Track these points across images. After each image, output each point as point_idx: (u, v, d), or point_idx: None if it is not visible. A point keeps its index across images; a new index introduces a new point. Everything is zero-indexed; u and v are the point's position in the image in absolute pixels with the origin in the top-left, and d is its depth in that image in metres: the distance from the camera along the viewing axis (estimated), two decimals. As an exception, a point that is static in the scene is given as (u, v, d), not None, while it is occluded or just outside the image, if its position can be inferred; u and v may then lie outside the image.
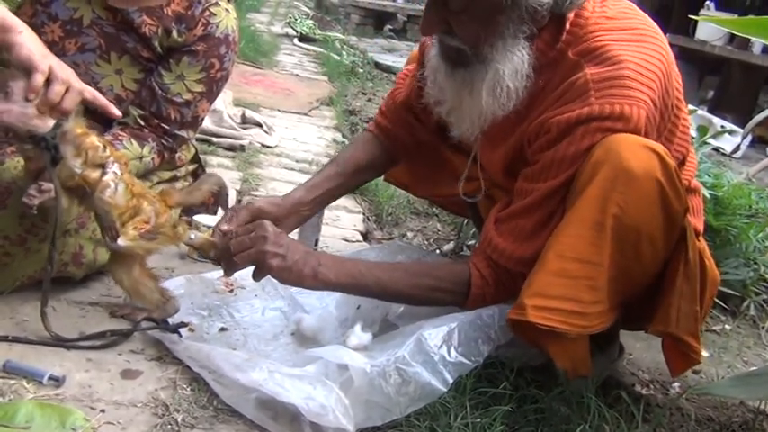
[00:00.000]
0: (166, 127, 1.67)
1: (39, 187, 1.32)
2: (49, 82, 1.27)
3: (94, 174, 1.34)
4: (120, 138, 1.60)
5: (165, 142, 1.68)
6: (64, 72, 1.30)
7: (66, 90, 1.29)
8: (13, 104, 1.26)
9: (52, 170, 1.31)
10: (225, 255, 1.40)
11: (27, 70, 1.27)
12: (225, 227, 1.43)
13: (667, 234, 1.29)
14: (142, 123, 1.65)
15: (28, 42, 1.29)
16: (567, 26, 1.35)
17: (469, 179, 1.74)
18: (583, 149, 1.28)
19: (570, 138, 1.29)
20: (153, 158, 1.67)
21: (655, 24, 1.41)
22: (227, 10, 1.70)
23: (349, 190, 1.81)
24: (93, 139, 1.36)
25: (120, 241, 1.36)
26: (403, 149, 1.75)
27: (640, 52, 1.31)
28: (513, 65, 1.33)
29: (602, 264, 1.26)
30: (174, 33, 1.63)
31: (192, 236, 1.43)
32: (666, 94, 1.35)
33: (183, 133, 1.71)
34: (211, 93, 1.72)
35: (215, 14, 1.67)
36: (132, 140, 1.61)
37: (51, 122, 1.29)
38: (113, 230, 1.35)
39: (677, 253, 1.32)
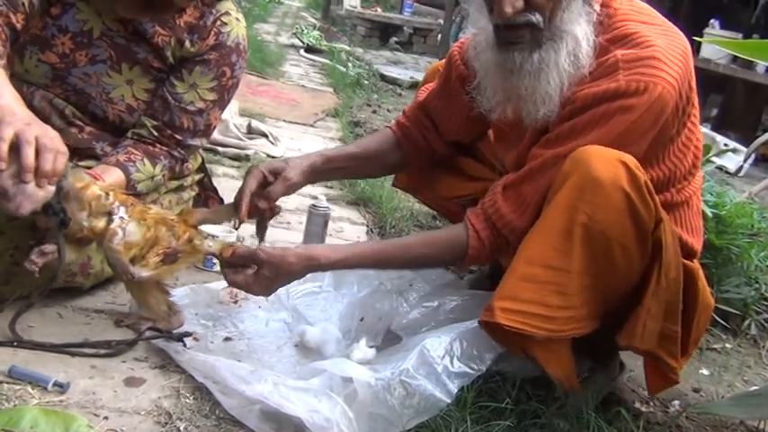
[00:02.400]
0: (179, 137, 1.68)
1: (40, 251, 1.33)
2: (37, 152, 1.23)
3: (101, 223, 1.35)
4: (133, 159, 1.60)
5: (177, 154, 1.69)
6: (29, 134, 1.24)
7: (53, 152, 1.25)
8: (16, 197, 1.21)
9: (59, 233, 1.32)
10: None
11: None
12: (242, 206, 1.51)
13: (640, 244, 1.30)
14: (156, 134, 1.66)
15: None
16: (595, 15, 1.38)
17: (478, 179, 1.76)
18: (597, 120, 1.31)
19: (592, 111, 1.32)
20: (164, 175, 1.68)
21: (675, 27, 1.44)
22: (237, 19, 1.72)
23: (357, 175, 2.00)
24: (95, 190, 1.35)
25: (144, 273, 1.38)
26: (416, 151, 1.77)
27: (669, 42, 1.34)
28: (584, 28, 1.36)
29: (570, 270, 1.28)
30: (187, 43, 1.65)
31: (210, 244, 1.44)
32: (688, 87, 1.38)
33: (195, 142, 1.72)
34: (223, 100, 1.74)
35: (226, 24, 1.69)
36: (145, 160, 1.62)
37: (52, 187, 1.26)
38: (127, 274, 1.37)
39: (650, 269, 1.33)
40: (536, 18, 1.35)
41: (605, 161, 1.26)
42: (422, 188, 1.96)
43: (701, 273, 1.46)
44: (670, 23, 1.43)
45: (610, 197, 1.25)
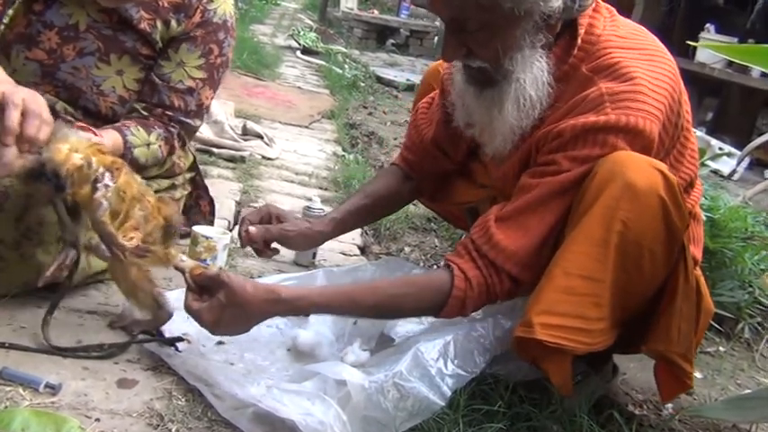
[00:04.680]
0: (171, 114, 1.67)
1: (60, 264, 1.35)
2: (22, 117, 1.21)
3: (84, 191, 1.28)
4: (127, 125, 1.59)
5: (171, 128, 1.68)
6: (16, 97, 1.23)
7: (38, 118, 1.23)
8: None
9: (59, 199, 1.29)
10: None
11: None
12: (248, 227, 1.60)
13: (668, 249, 1.30)
14: (146, 114, 1.65)
15: None
16: (579, 42, 1.38)
17: (483, 185, 1.76)
18: (595, 156, 1.30)
19: (584, 141, 1.32)
20: (161, 146, 1.65)
21: (663, 47, 1.43)
22: None
23: (371, 222, 1.99)
24: (75, 160, 1.27)
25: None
26: (429, 177, 1.84)
27: (652, 70, 1.34)
28: (533, 74, 1.36)
29: (605, 280, 1.27)
30: (173, 23, 1.64)
31: (183, 259, 1.39)
32: (676, 114, 1.38)
33: (189, 120, 1.71)
34: (213, 79, 1.72)
35: (212, 1, 1.69)
36: (139, 128, 1.61)
37: (32, 156, 1.24)
38: (114, 245, 1.31)
39: (676, 271, 1.33)
40: (477, 64, 1.39)
41: (641, 168, 1.26)
42: (429, 193, 1.96)
43: (702, 279, 1.46)
44: (654, 43, 1.42)
45: (647, 204, 1.25)
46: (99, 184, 1.27)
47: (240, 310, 1.29)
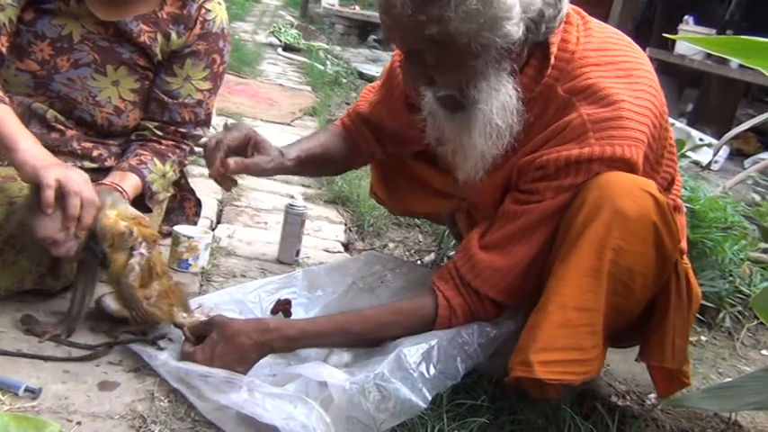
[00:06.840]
0: (183, 130, 1.70)
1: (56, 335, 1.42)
2: (62, 197, 1.31)
3: (121, 256, 1.40)
4: (144, 161, 1.62)
5: (184, 146, 1.71)
6: (74, 183, 1.33)
7: (93, 205, 1.35)
8: (65, 243, 1.34)
9: (96, 272, 1.45)
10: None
11: (37, 187, 1.32)
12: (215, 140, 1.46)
13: (659, 271, 1.30)
14: (159, 133, 1.68)
15: (30, 160, 1.34)
16: (552, 60, 1.32)
17: (449, 196, 1.75)
18: (579, 183, 1.29)
19: (567, 172, 1.29)
20: (174, 170, 1.70)
21: (640, 50, 1.40)
22: (219, 3, 1.72)
23: (311, 175, 1.94)
24: (120, 227, 1.40)
25: (113, 305, 1.43)
26: (358, 155, 1.76)
27: (633, 90, 1.30)
28: (500, 102, 1.30)
29: (599, 309, 1.26)
30: (174, 36, 1.64)
31: (184, 315, 1.43)
32: (660, 128, 1.36)
33: (198, 131, 1.74)
34: (216, 87, 1.75)
35: (210, 10, 1.69)
36: (155, 160, 1.64)
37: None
38: (140, 310, 1.40)
39: (668, 287, 1.34)
40: (442, 93, 1.32)
41: (631, 192, 1.24)
42: (389, 201, 1.95)
43: (690, 270, 1.46)
44: (632, 52, 1.38)
45: (638, 231, 1.24)
46: (135, 252, 1.41)
47: (232, 343, 1.33)
